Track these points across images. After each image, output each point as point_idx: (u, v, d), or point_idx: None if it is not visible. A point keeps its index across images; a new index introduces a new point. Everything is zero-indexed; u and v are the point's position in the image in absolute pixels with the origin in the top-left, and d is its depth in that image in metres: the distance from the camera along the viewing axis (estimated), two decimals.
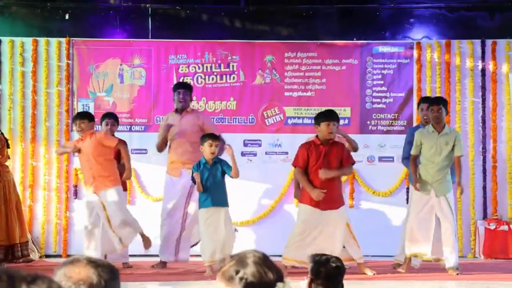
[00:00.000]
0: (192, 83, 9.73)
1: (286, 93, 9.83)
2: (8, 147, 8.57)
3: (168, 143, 8.33)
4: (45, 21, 9.97)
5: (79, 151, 7.90)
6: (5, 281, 1.64)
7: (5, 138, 8.59)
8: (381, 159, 9.71)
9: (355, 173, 9.68)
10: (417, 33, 9.97)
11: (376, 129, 9.75)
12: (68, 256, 9.13)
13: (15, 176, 9.24)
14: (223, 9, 10.02)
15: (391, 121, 9.75)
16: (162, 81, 9.80)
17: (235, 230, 7.88)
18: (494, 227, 9.43)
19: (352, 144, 7.99)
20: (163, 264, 8.23)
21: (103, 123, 8.41)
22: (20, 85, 9.72)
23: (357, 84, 9.81)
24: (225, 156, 7.75)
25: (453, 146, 7.63)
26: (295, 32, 10.03)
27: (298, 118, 9.69)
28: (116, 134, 9.55)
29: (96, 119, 8.33)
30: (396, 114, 9.77)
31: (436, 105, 7.70)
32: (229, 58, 9.83)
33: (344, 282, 3.31)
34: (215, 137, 7.63)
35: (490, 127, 9.70)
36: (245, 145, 9.72)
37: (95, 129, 8.09)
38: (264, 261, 2.25)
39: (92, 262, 1.98)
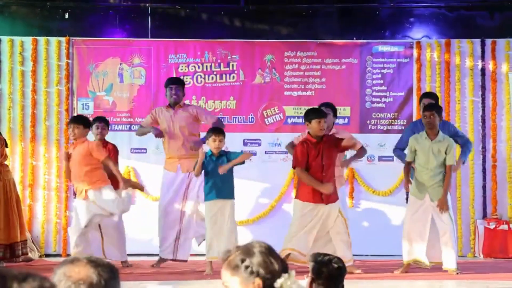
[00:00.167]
0: (191, 83, 9.74)
1: (286, 93, 9.82)
2: (6, 146, 8.57)
3: (163, 139, 8.35)
4: (45, 20, 9.96)
5: (68, 158, 7.89)
6: None
7: (3, 137, 8.59)
8: (381, 158, 9.71)
9: (354, 173, 9.68)
10: (417, 33, 9.97)
11: (376, 129, 9.75)
12: (68, 255, 9.14)
13: (15, 175, 9.24)
14: (223, 8, 10.01)
15: (391, 121, 9.75)
16: (161, 80, 9.78)
17: None
18: (493, 226, 9.43)
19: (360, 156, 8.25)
20: (162, 260, 8.23)
21: (94, 126, 8.32)
22: (19, 84, 9.72)
23: (357, 84, 9.81)
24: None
25: (447, 154, 7.61)
26: (295, 32, 10.03)
27: (298, 117, 9.69)
28: (115, 133, 9.58)
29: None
30: (396, 114, 9.76)
31: (428, 111, 7.68)
32: (229, 57, 9.83)
33: (346, 281, 3.32)
34: (218, 132, 7.66)
35: (489, 126, 9.70)
36: (245, 144, 9.71)
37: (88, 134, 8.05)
38: (269, 251, 2.28)
39: (92, 262, 1.98)
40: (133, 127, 9.71)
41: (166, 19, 10.06)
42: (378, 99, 9.81)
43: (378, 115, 9.79)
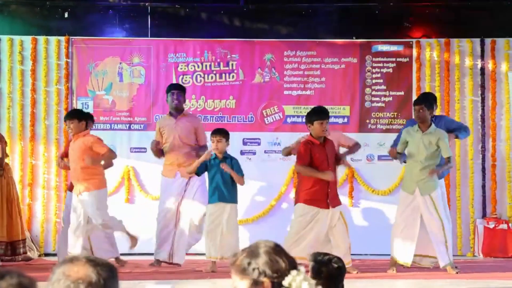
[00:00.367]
0: (191, 82, 9.74)
1: (286, 92, 9.82)
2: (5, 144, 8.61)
3: (165, 146, 8.30)
4: (45, 20, 9.96)
5: (67, 155, 7.86)
6: None
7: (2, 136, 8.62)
8: (380, 158, 9.71)
9: (354, 172, 9.68)
10: (417, 32, 9.97)
11: (375, 128, 9.75)
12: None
13: (14, 174, 9.24)
14: (223, 7, 10.01)
15: (390, 120, 9.74)
16: (161, 79, 9.79)
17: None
18: (493, 225, 9.44)
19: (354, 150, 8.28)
20: (158, 262, 8.23)
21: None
22: (19, 83, 9.72)
23: (357, 83, 9.81)
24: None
25: (440, 147, 7.60)
26: (295, 31, 10.02)
27: (298, 116, 9.68)
28: (115, 132, 9.58)
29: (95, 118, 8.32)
30: (395, 113, 9.76)
31: (417, 104, 7.71)
32: (229, 56, 9.82)
33: (345, 281, 3.31)
34: (215, 132, 7.65)
35: (489, 126, 9.70)
36: (244, 143, 9.71)
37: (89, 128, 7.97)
38: (275, 250, 2.26)
39: (91, 261, 1.98)
40: (132, 126, 9.72)
41: (166, 18, 10.06)
42: (377, 99, 9.81)
43: (377, 114, 9.79)
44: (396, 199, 9.39)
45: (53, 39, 9.76)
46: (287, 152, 8.11)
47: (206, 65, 9.81)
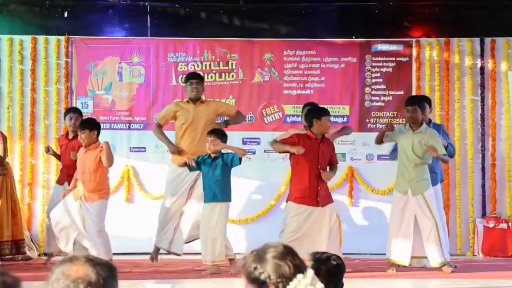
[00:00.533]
0: None
1: (285, 91, 9.82)
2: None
3: (179, 132, 8.15)
4: (44, 19, 9.96)
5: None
6: None
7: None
8: (380, 157, 9.70)
9: (354, 171, 9.69)
10: (416, 31, 9.97)
11: (375, 127, 9.74)
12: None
13: (14, 174, 9.24)
14: (222, 7, 10.01)
15: (390, 119, 9.74)
16: (161, 79, 9.79)
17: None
18: (493, 225, 9.44)
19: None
20: (156, 252, 8.13)
21: (67, 117, 8.27)
22: (19, 83, 9.72)
23: (356, 82, 9.81)
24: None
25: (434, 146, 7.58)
26: (294, 30, 10.02)
27: (297, 116, 9.67)
28: (115, 132, 9.58)
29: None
30: (395, 112, 9.77)
31: (410, 105, 7.71)
32: (228, 56, 9.83)
33: (344, 280, 3.31)
34: (210, 132, 7.58)
35: (489, 125, 9.71)
36: (244, 143, 9.71)
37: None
38: (283, 254, 2.24)
39: (90, 260, 1.98)
40: (132, 126, 9.72)
41: (165, 17, 10.06)
42: (377, 98, 9.82)
43: (377, 114, 9.80)
44: None
45: (52, 38, 9.76)
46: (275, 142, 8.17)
47: (205, 65, 9.81)
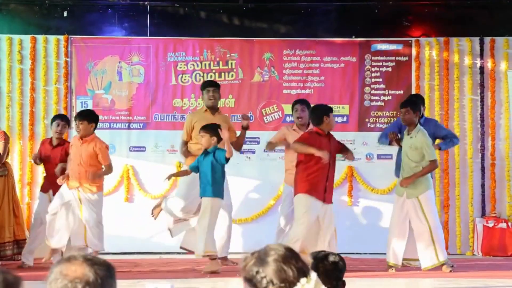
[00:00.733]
0: (190, 81, 9.74)
1: (285, 91, 9.82)
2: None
3: (195, 137, 8.02)
4: (44, 19, 9.96)
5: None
6: None
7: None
8: (379, 156, 9.71)
9: (353, 171, 9.69)
10: (416, 31, 9.97)
11: (374, 127, 9.74)
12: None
13: (14, 173, 9.23)
14: (222, 6, 10.01)
15: (389, 119, 9.74)
16: (160, 78, 9.79)
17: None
18: (492, 224, 9.44)
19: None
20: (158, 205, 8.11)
21: (54, 123, 8.18)
22: (18, 82, 9.72)
23: (356, 82, 9.81)
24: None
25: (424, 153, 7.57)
26: (294, 30, 10.02)
27: None
28: (114, 131, 9.58)
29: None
30: (394, 112, 9.75)
31: (402, 107, 7.72)
32: (228, 55, 9.82)
33: (345, 279, 3.31)
34: (202, 128, 7.55)
35: (488, 124, 9.71)
36: (244, 142, 9.68)
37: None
38: (285, 258, 2.16)
39: (88, 260, 1.98)
40: (131, 125, 9.72)
41: (165, 17, 10.06)
42: (377, 98, 9.82)
43: (377, 113, 9.80)
44: None
45: (52, 38, 9.76)
46: (273, 147, 8.15)
47: (205, 64, 9.81)
